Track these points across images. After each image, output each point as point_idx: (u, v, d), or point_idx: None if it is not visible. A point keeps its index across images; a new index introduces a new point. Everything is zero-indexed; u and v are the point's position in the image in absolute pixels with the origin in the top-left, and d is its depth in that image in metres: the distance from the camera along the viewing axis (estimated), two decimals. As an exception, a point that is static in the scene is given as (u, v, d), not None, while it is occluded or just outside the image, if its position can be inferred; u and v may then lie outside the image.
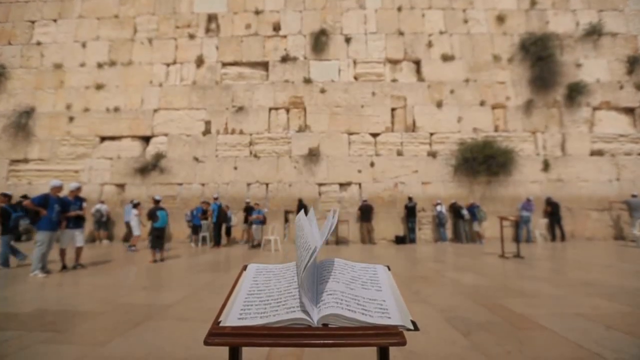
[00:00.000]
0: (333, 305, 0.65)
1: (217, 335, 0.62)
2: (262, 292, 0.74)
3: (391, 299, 0.73)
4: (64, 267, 5.99)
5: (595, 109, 11.38)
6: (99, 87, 11.83)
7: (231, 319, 0.65)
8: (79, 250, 6.30)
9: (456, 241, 10.60)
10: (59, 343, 2.65)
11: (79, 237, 6.32)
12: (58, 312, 3.49)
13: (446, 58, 11.54)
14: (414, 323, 0.66)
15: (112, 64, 11.96)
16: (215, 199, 10.20)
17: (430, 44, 11.63)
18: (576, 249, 8.86)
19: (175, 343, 2.66)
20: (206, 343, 0.61)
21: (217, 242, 9.78)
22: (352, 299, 0.70)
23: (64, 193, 6.36)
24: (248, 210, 10.31)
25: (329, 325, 0.63)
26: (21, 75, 12.12)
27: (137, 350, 2.52)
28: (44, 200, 5.74)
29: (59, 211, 5.87)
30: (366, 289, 0.77)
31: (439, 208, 10.51)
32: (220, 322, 0.66)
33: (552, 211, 10.50)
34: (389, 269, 0.93)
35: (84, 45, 12.12)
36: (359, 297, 0.72)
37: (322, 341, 0.61)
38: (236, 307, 0.69)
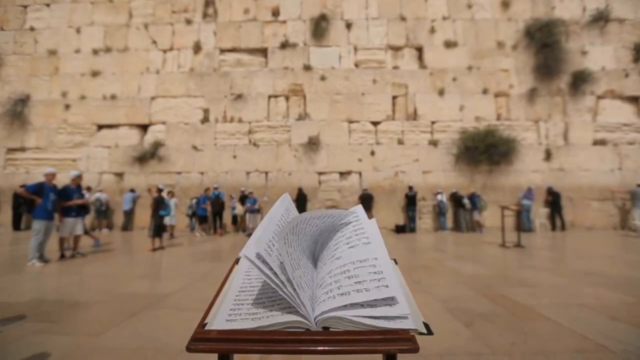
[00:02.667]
0: (334, 307, 0.57)
1: (201, 340, 0.54)
2: (255, 289, 0.65)
3: (401, 298, 0.64)
4: (62, 256, 5.95)
5: (599, 97, 11.19)
6: (95, 74, 11.61)
7: (218, 321, 0.57)
8: (77, 239, 6.25)
9: (456, 230, 10.57)
10: (53, 333, 2.60)
11: (79, 225, 6.27)
12: (54, 302, 3.45)
13: (449, 44, 11.28)
14: (427, 326, 0.58)
15: (108, 50, 11.70)
16: (215, 188, 10.27)
17: (432, 30, 11.36)
18: (577, 238, 8.83)
19: (171, 334, 2.61)
20: (189, 350, 0.53)
21: (214, 230, 9.99)
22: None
23: (65, 182, 6.31)
24: (243, 198, 10.33)
25: (330, 329, 0.55)
26: (15, 61, 11.87)
27: (132, 341, 2.47)
28: (39, 189, 5.65)
29: (55, 200, 5.79)
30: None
31: (439, 197, 10.44)
32: (206, 324, 0.58)
33: (553, 200, 10.45)
34: (396, 263, 0.84)
35: (78, 30, 11.83)
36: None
37: (321, 347, 0.53)
38: (225, 306, 0.61)
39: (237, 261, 0.82)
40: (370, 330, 0.55)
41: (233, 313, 0.58)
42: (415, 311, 0.60)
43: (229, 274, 0.75)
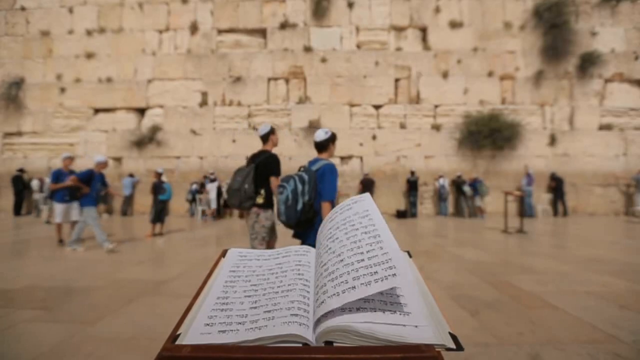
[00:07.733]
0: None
1: (169, 359, 0.42)
2: (242, 292, 0.53)
3: (419, 302, 0.52)
4: (61, 242, 5.89)
5: (607, 81, 10.90)
6: (90, 55, 11.30)
7: (193, 333, 0.45)
8: (74, 224, 6.16)
9: (458, 216, 10.50)
10: (46, 321, 2.53)
11: (74, 210, 6.17)
12: (50, 289, 3.38)
13: (454, 25, 10.91)
14: (454, 338, 0.47)
15: (102, 31, 11.34)
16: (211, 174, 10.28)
17: (437, 10, 10.96)
18: (579, 224, 8.76)
19: (167, 322, 2.53)
20: (153, 372, 0.41)
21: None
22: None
23: (57, 165, 6.16)
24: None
25: (335, 344, 0.44)
26: (7, 43, 11.54)
27: (127, 329, 2.40)
28: (89, 177, 5.53)
29: (100, 188, 5.69)
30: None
31: (441, 181, 10.33)
32: (179, 335, 0.46)
33: (557, 186, 10.33)
34: (410, 256, 0.72)
35: (70, 10, 11.44)
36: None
37: (323, 369, 0.41)
38: (202, 314, 0.49)
39: (224, 253, 0.70)
40: (385, 346, 0.43)
41: (212, 322, 0.46)
42: (439, 320, 0.49)
43: (213, 270, 0.63)
